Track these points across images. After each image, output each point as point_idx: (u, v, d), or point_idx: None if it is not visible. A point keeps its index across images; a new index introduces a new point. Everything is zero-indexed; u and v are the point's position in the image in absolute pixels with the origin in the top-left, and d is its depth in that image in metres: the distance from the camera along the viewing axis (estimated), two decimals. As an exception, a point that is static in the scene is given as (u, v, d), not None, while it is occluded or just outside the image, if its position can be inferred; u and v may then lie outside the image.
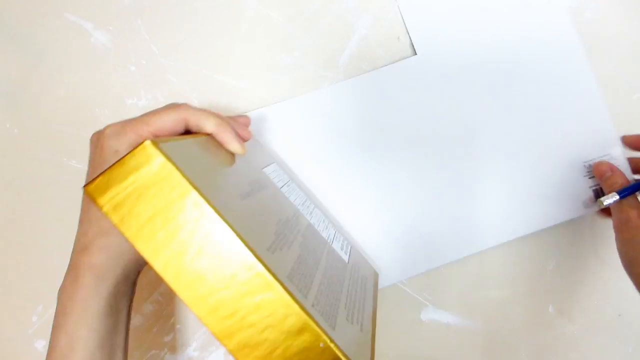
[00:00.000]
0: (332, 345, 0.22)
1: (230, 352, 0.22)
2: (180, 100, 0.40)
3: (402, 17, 0.42)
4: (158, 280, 0.39)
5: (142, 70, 0.41)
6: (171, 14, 0.41)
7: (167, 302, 0.39)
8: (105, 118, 0.40)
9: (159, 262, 0.22)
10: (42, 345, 0.38)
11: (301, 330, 0.22)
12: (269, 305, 0.22)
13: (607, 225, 0.42)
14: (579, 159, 0.41)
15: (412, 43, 0.41)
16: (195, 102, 0.40)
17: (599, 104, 0.40)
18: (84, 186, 0.22)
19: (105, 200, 0.22)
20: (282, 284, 0.22)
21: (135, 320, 0.39)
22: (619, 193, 0.36)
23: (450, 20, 0.42)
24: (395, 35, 0.42)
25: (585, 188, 0.40)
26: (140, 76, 0.40)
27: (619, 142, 0.40)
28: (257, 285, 0.22)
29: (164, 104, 0.40)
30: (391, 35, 0.42)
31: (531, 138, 0.41)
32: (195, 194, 0.22)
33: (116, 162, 0.22)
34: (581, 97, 0.41)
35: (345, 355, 0.22)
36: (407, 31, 0.42)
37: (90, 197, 0.22)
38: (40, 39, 0.40)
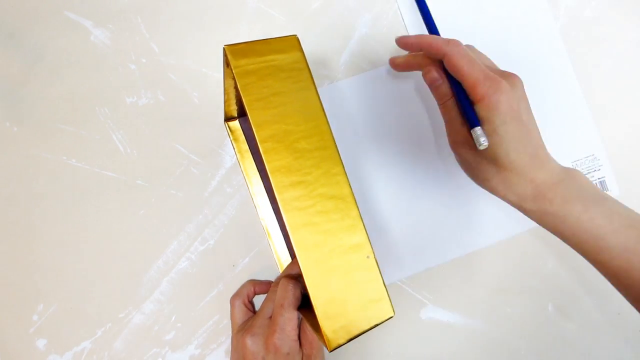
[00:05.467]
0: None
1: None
2: (181, 99, 0.40)
3: (402, 17, 0.42)
4: (159, 279, 0.39)
5: (142, 68, 0.40)
6: (171, 12, 0.41)
7: (168, 300, 0.39)
8: (105, 117, 0.40)
9: (263, 132, 0.25)
10: (43, 344, 0.38)
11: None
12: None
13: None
14: (568, 159, 0.42)
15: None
16: (195, 100, 0.40)
17: (583, 109, 0.42)
18: (225, 45, 0.25)
19: (240, 64, 0.25)
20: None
21: (136, 318, 0.39)
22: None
23: (449, 20, 0.42)
24: (395, 34, 0.42)
25: None
26: (141, 74, 0.40)
27: (601, 143, 0.42)
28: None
29: (164, 103, 0.40)
30: (391, 34, 0.42)
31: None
32: (314, 92, 0.26)
33: (262, 39, 0.26)
34: (568, 101, 0.42)
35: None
36: (407, 30, 0.42)
37: (226, 55, 0.25)
38: (40, 37, 0.40)
